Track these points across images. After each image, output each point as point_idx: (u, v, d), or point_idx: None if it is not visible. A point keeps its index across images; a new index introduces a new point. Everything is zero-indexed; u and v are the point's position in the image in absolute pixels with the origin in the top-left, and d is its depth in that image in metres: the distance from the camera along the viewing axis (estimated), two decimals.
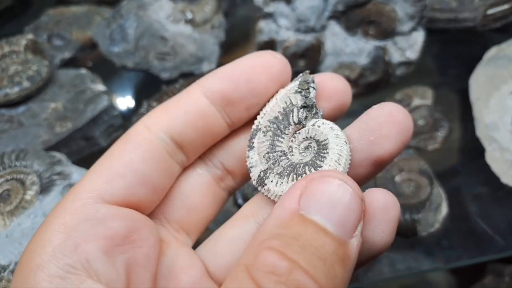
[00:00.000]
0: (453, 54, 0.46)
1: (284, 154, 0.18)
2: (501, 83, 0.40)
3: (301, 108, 0.18)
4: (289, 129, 0.18)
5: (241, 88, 0.18)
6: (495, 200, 0.36)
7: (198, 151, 0.19)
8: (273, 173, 0.18)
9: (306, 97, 0.18)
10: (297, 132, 0.18)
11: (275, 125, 0.18)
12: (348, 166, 0.17)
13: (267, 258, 0.14)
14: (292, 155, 0.18)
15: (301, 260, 0.14)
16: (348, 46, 0.41)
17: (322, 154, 0.17)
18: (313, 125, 0.18)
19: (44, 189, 0.33)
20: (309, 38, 0.41)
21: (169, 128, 0.18)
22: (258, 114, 0.19)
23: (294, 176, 0.17)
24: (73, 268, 0.15)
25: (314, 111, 0.18)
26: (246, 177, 0.20)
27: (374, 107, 0.18)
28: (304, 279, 0.13)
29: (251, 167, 0.18)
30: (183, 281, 0.18)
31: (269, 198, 0.18)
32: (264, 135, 0.18)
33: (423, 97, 0.41)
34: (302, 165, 0.17)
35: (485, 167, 0.37)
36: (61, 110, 0.41)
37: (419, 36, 0.41)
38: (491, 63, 0.43)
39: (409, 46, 0.41)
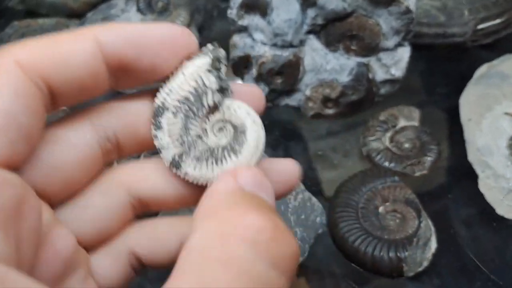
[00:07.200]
0: (441, 71, 0.43)
1: (199, 137, 0.18)
2: (494, 103, 0.37)
3: (216, 91, 0.18)
4: (203, 112, 0.18)
5: (145, 62, 0.17)
6: (489, 233, 0.33)
7: (68, 104, 0.17)
8: (190, 157, 0.18)
9: (221, 78, 0.18)
10: (211, 113, 0.18)
11: (186, 107, 0.18)
12: (263, 148, 0.18)
13: None
14: (208, 137, 0.18)
15: None
16: (328, 63, 0.38)
17: (240, 140, 0.18)
18: (229, 108, 0.18)
19: None
20: (286, 53, 0.38)
21: (46, 74, 0.16)
22: (158, 87, 0.18)
23: (213, 160, 0.18)
24: None
25: (227, 91, 0.18)
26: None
27: None
28: None
29: (161, 148, 0.18)
30: (60, 248, 0.16)
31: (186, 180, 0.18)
32: (174, 117, 0.18)
33: (410, 117, 0.38)
34: (220, 149, 0.18)
35: (478, 196, 0.34)
36: None
37: (405, 52, 0.38)
38: (482, 81, 0.40)
39: (394, 62, 0.38)
